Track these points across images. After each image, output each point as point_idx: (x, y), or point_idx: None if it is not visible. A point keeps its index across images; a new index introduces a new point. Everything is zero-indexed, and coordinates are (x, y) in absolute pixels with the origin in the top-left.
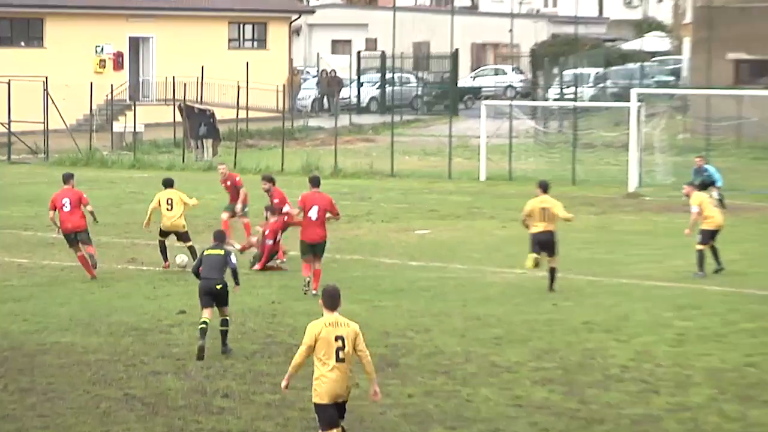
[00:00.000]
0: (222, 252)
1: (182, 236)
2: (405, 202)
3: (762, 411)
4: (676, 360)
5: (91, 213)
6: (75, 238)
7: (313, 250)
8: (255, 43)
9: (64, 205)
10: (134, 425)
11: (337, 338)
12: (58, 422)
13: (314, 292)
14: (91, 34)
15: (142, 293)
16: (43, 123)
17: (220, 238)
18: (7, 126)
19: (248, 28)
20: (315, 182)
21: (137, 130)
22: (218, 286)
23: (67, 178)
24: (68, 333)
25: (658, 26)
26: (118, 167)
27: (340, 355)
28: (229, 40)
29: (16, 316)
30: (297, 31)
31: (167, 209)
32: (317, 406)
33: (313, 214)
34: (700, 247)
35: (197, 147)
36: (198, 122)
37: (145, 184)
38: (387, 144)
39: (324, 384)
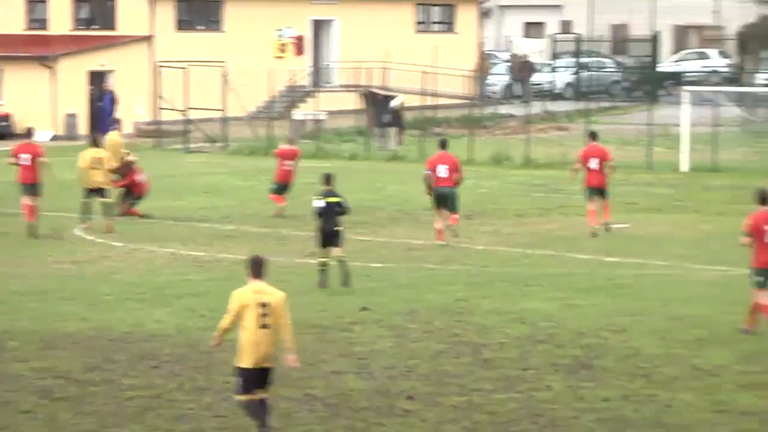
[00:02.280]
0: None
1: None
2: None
3: None
4: None
5: None
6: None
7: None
8: (443, 26)
9: None
10: (315, 427)
11: (262, 305)
12: (236, 423)
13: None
14: (272, 17)
15: (322, 289)
16: (222, 110)
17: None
18: (185, 114)
19: (435, 10)
20: (443, 144)
21: (320, 117)
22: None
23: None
24: None
25: None
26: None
27: (264, 321)
28: (416, 23)
29: (193, 312)
30: (487, 14)
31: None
32: (237, 369)
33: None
34: None
35: (381, 135)
36: (382, 110)
37: None
38: (582, 132)
39: (246, 349)
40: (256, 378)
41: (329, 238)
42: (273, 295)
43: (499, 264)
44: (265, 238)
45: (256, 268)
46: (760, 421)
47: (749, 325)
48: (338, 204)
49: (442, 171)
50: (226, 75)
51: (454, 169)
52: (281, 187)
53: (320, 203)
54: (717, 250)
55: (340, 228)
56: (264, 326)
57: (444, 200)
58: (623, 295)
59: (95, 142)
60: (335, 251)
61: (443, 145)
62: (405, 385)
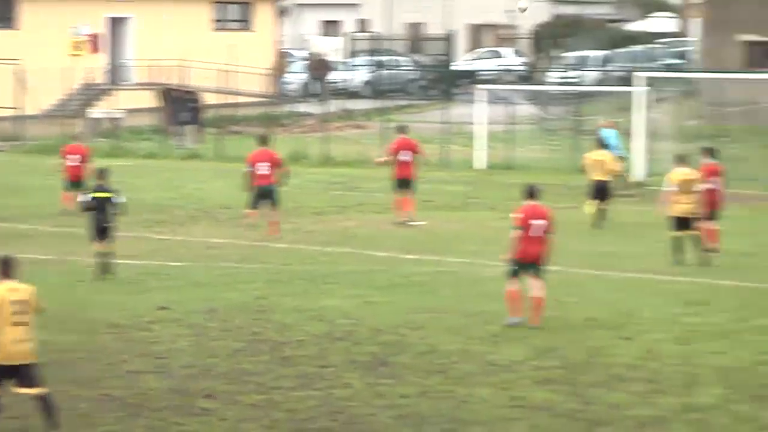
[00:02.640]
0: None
1: None
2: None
3: None
4: (685, 358)
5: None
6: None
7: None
8: (240, 24)
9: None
10: (113, 427)
11: (15, 302)
12: (34, 424)
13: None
14: (68, 15)
15: (121, 288)
16: (15, 108)
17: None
18: None
19: (232, 8)
20: (263, 141)
21: (116, 116)
22: None
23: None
24: (42, 330)
25: (664, 6)
26: (94, 155)
27: (18, 319)
28: (213, 21)
29: None
30: (284, 12)
31: None
32: None
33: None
34: None
35: (179, 134)
36: (180, 108)
37: (124, 172)
38: (379, 130)
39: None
40: (6, 374)
41: (101, 232)
42: (26, 291)
43: (298, 262)
44: (62, 238)
45: (6, 268)
46: (554, 415)
47: (514, 314)
48: (108, 199)
49: (263, 168)
50: (21, 73)
51: (275, 165)
52: (74, 185)
53: (86, 198)
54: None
55: (110, 224)
56: (18, 323)
57: (265, 197)
58: (421, 293)
59: None
60: (102, 245)
61: (264, 141)
62: (204, 383)
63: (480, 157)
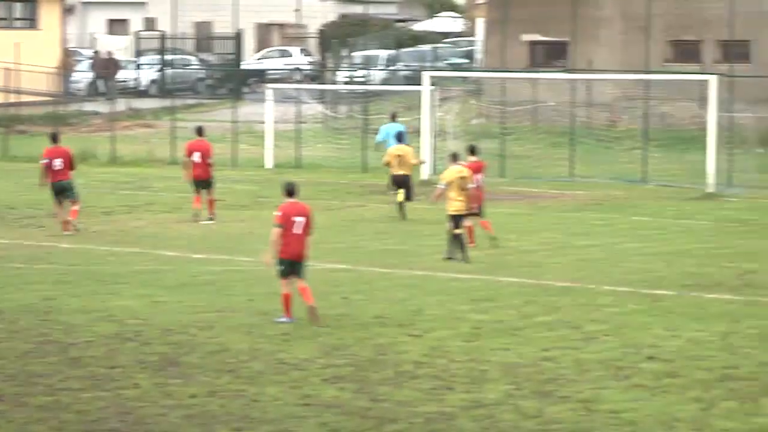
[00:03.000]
0: None
1: None
2: (188, 192)
3: (559, 407)
4: (471, 355)
5: None
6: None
7: None
8: (25, 23)
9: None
10: None
11: None
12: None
13: None
14: None
15: None
16: None
17: None
18: None
19: (18, 6)
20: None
21: None
22: None
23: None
24: None
25: (450, 6)
26: None
27: None
28: None
29: None
30: (70, 10)
31: None
32: None
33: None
34: None
35: None
36: None
37: None
38: (168, 130)
39: None
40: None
41: None
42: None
43: (87, 262)
44: None
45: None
46: (344, 413)
47: (287, 315)
48: None
49: (57, 164)
50: None
51: (69, 161)
52: None
53: None
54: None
55: None
56: None
57: (61, 192)
58: (210, 292)
59: None
60: None
61: (55, 138)
62: None
63: (269, 156)
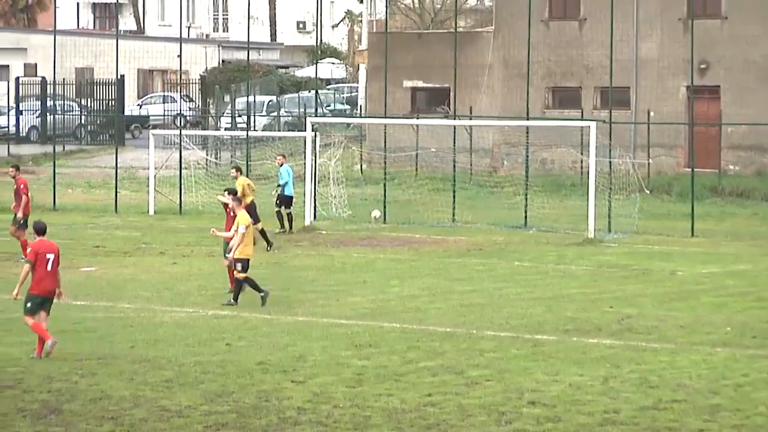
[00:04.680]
0: None
1: None
2: (68, 238)
3: None
4: (355, 401)
5: None
6: None
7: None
8: None
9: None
10: None
11: None
12: None
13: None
14: None
15: None
16: None
17: None
18: None
19: None
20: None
21: None
22: None
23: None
24: None
25: (333, 52)
26: None
27: None
28: None
29: None
30: None
31: None
32: None
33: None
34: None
35: None
36: None
37: None
38: (49, 176)
39: None
40: None
41: None
42: None
43: None
44: None
45: None
46: None
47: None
48: None
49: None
50: None
51: None
52: None
53: None
54: (183, 291)
55: None
56: None
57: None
58: (92, 339)
59: None
60: None
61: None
62: None
63: (151, 202)
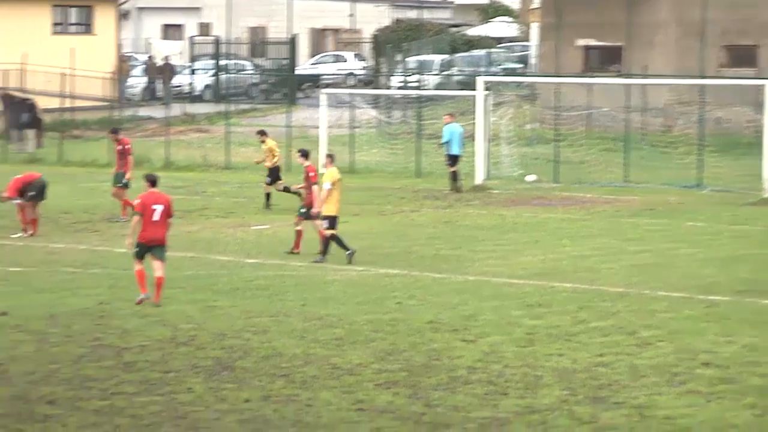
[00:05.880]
0: None
1: None
2: (241, 196)
3: (613, 413)
4: (525, 360)
5: None
6: None
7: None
8: (80, 28)
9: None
10: None
11: None
12: None
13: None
14: None
15: None
16: None
17: None
18: None
19: (73, 11)
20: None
21: None
22: None
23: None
24: None
25: (504, 11)
26: None
27: None
28: (53, 25)
29: None
30: (125, 15)
31: None
32: None
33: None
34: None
35: (18, 138)
36: (19, 112)
37: None
38: (222, 135)
39: None
40: None
41: None
42: None
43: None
44: None
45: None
46: (397, 418)
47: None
48: None
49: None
50: None
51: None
52: None
53: None
54: (355, 250)
55: None
56: None
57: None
58: (264, 297)
59: None
60: None
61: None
62: (45, 390)
63: (322, 161)
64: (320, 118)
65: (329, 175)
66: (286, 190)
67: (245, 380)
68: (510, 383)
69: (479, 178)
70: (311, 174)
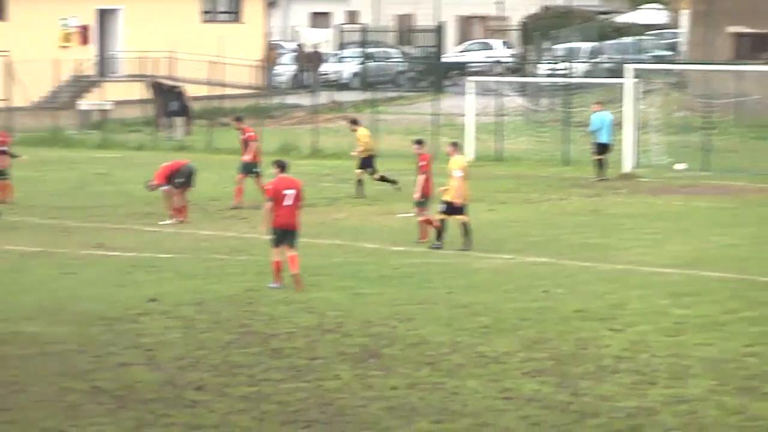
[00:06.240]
0: None
1: None
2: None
3: (763, 404)
4: (673, 350)
5: None
6: None
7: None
8: (229, 16)
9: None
10: (102, 419)
11: None
12: (22, 416)
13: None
14: (57, 6)
15: (110, 281)
16: (5, 100)
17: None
18: None
19: (222, 0)
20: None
21: (106, 107)
22: None
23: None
24: (32, 322)
25: None
26: (83, 147)
27: None
28: (202, 13)
29: None
30: (273, 3)
31: None
32: None
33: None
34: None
35: (168, 126)
36: (168, 100)
37: (112, 164)
38: (369, 122)
39: None
40: None
41: None
42: None
43: None
44: (50, 230)
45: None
46: (544, 406)
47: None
48: None
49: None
50: (10, 65)
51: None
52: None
53: None
54: (501, 238)
55: None
56: None
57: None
58: (410, 284)
59: None
60: None
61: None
62: (193, 376)
63: (470, 149)
64: (467, 106)
65: (456, 162)
66: (383, 179)
67: (392, 367)
68: (658, 373)
69: (627, 166)
70: (423, 163)
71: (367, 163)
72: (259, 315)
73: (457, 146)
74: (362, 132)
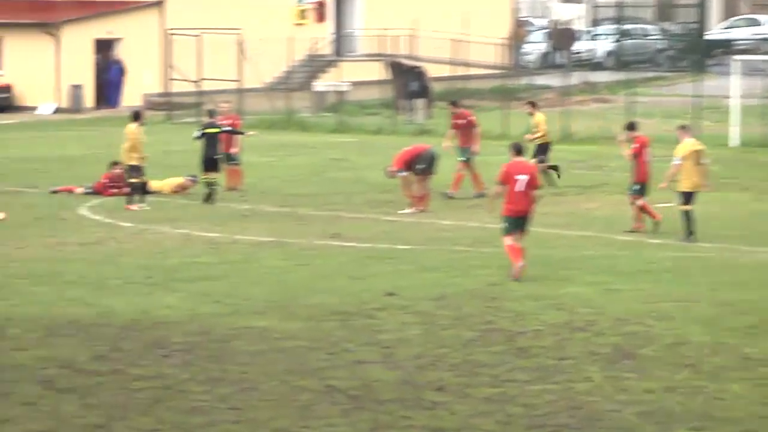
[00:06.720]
0: None
1: None
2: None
3: None
4: None
5: None
6: None
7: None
8: None
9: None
10: (337, 420)
11: None
12: (252, 416)
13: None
14: None
15: (345, 273)
16: (237, 81)
17: None
18: (198, 85)
19: None
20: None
21: (342, 89)
22: None
23: None
24: (263, 316)
25: None
26: (319, 131)
27: None
28: None
29: (206, 297)
30: None
31: None
32: None
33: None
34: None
35: (408, 108)
36: (408, 80)
37: (349, 149)
38: (624, 105)
39: None
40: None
41: (209, 163)
42: None
43: (534, 246)
44: (283, 219)
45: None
46: None
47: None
48: (216, 134)
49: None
50: (242, 43)
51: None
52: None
53: (197, 134)
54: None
55: (219, 156)
56: None
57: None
58: (668, 280)
59: (137, 118)
60: (209, 175)
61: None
62: (433, 375)
63: (735, 134)
64: (732, 87)
65: (681, 148)
66: (553, 168)
67: (647, 369)
68: None
69: None
70: (636, 146)
71: (542, 149)
72: (503, 311)
73: (686, 129)
74: (540, 117)
